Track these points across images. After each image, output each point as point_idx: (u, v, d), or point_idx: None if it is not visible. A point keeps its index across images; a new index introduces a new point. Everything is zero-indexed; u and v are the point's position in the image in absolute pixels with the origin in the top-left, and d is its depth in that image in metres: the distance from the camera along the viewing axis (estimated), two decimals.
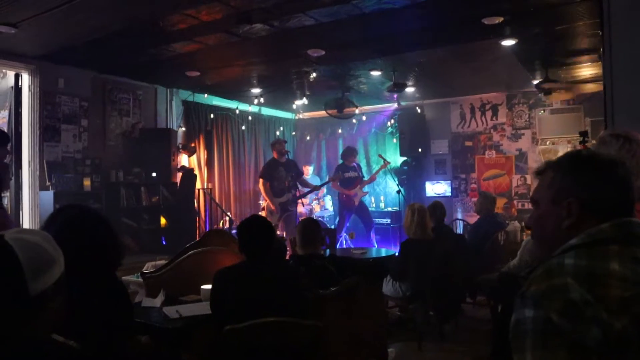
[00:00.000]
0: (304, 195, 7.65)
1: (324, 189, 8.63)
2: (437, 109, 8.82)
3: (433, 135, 8.83)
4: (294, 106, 8.76)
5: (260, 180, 7.17)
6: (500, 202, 7.81)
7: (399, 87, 6.79)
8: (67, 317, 1.35)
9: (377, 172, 8.36)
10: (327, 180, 8.04)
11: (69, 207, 1.91)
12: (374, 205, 8.95)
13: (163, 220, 6.83)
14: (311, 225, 3.43)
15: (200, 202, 7.64)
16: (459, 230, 7.58)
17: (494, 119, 8.38)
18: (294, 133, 10.09)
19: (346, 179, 7.90)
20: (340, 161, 8.25)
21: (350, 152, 8.04)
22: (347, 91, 7.52)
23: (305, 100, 7.92)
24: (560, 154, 7.98)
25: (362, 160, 9.19)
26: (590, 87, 7.17)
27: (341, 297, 3.06)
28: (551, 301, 0.98)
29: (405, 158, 8.73)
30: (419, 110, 8.76)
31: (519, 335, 1.00)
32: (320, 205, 8.76)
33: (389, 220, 8.41)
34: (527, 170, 8.07)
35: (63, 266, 1.32)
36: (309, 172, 8.96)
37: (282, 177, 7.09)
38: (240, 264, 2.62)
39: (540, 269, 1.07)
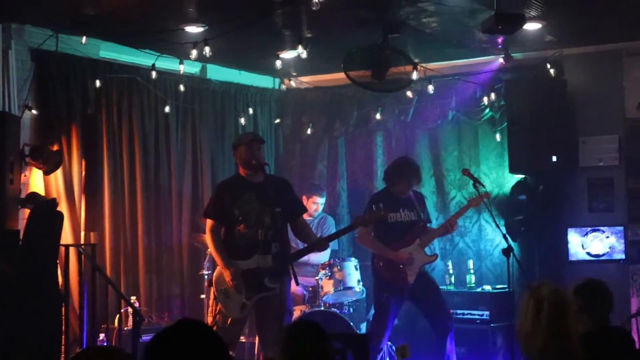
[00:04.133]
0: (299, 257, 7.70)
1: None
2: (592, 67, 8.93)
3: (583, 126, 8.90)
4: (278, 64, 8.84)
5: (208, 223, 7.18)
6: None
7: (506, 21, 6.80)
8: None
9: (462, 212, 8.42)
10: (351, 223, 8.02)
11: None
12: (451, 279, 8.95)
13: None
14: (308, 338, 3.48)
15: (72, 274, 7.67)
16: None
17: None
18: (277, 120, 10.19)
19: (391, 225, 7.92)
20: (380, 186, 8.31)
21: (402, 170, 8.10)
22: (392, 32, 7.56)
23: (302, 51, 7.94)
24: None
25: (426, 180, 9.18)
26: None
27: None
28: None
29: (520, 176, 8.77)
30: (551, 72, 8.79)
31: None
32: (336, 280, 8.68)
33: (485, 315, 8.42)
34: None
35: None
36: (313, 209, 9.04)
37: (253, 214, 7.04)
38: None
39: None
